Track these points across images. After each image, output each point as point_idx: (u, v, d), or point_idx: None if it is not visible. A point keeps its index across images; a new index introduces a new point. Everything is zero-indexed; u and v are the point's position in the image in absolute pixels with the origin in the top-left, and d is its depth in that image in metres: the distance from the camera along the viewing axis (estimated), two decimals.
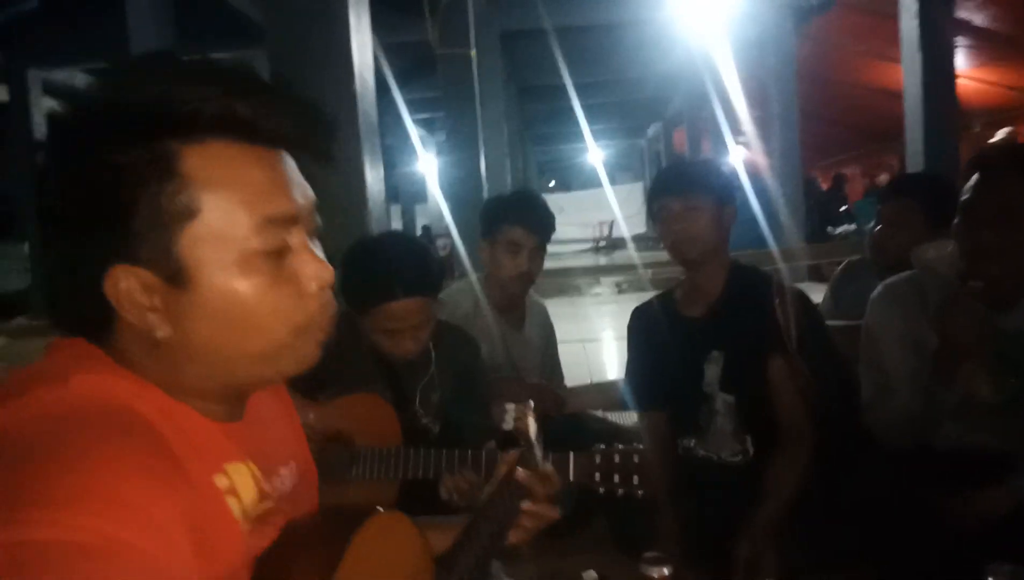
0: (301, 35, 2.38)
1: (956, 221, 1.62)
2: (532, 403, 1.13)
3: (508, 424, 1.13)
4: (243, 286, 0.63)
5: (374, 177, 2.54)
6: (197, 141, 0.61)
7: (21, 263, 11.56)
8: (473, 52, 5.91)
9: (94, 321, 0.64)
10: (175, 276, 0.62)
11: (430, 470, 1.55)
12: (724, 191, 1.89)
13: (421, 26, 6.16)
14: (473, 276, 2.34)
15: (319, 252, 0.70)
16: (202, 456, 0.65)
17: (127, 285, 0.61)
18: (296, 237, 0.67)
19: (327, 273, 0.69)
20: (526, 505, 1.02)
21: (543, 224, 2.21)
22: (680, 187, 1.87)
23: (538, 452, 1.08)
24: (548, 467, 1.09)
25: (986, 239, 1.54)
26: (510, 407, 1.11)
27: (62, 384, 0.60)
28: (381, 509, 0.75)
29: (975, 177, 1.59)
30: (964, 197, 1.59)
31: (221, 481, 0.66)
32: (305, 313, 0.68)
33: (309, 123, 0.67)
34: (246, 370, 0.67)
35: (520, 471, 1.04)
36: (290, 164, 0.68)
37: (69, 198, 0.60)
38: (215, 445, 0.67)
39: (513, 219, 2.18)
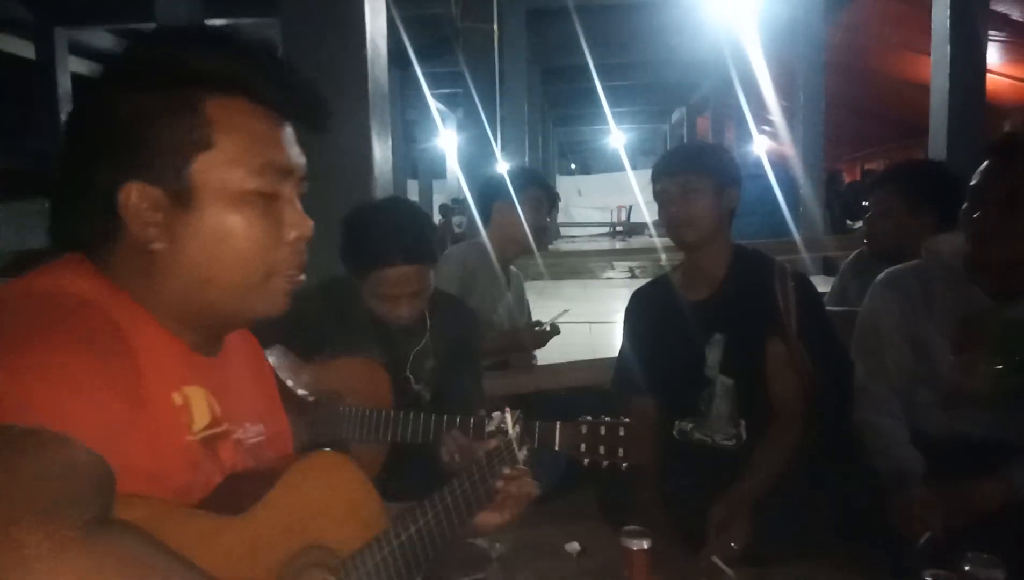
0: None
1: (964, 206, 1.59)
2: (512, 410, 1.19)
3: (491, 426, 1.19)
4: (235, 215, 0.73)
5: (381, 145, 2.53)
6: (220, 93, 0.73)
7: (44, 220, 11.70)
8: (494, 27, 5.85)
9: (97, 234, 0.73)
10: (181, 196, 0.72)
11: (418, 434, 1.56)
12: (725, 174, 1.86)
13: None
14: (485, 239, 2.55)
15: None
16: (161, 367, 0.72)
17: (137, 199, 0.71)
18: (287, 189, 0.77)
19: (306, 226, 0.78)
20: (500, 484, 1.07)
21: (550, 185, 2.76)
22: (678, 169, 1.85)
23: (516, 448, 1.12)
24: (523, 456, 1.13)
25: (992, 223, 1.52)
26: (496, 414, 1.21)
27: (44, 276, 0.70)
28: (328, 449, 0.81)
29: (985, 162, 1.56)
30: (973, 182, 1.57)
31: (176, 396, 0.73)
32: (280, 256, 0.77)
33: (311, 98, 0.78)
34: (221, 298, 0.75)
35: (492, 446, 1.09)
36: (290, 130, 0.78)
37: (104, 124, 0.71)
38: (176, 363, 0.74)
39: (535, 182, 2.63)
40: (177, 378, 0.74)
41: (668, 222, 1.87)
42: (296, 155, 0.78)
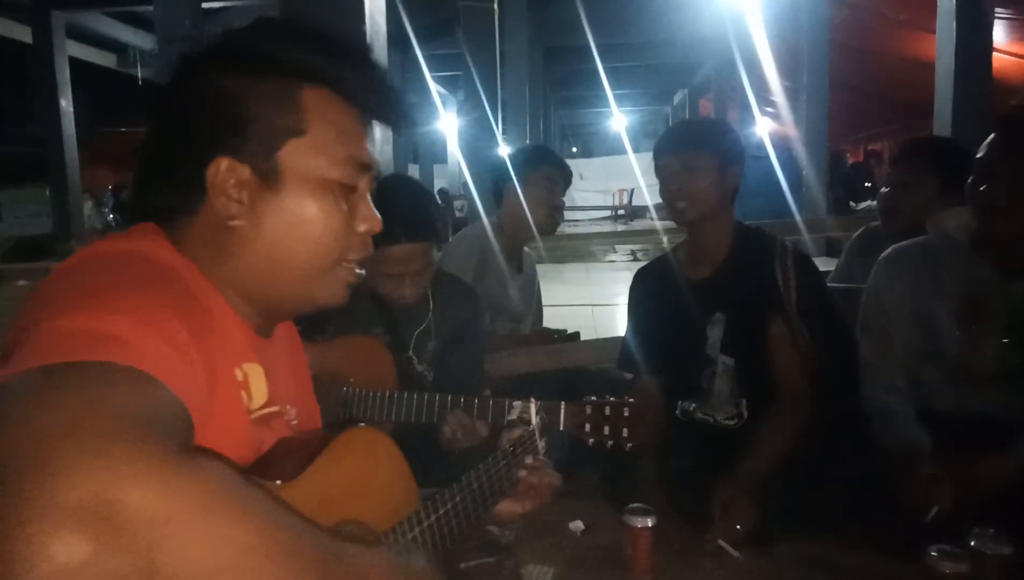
0: None
1: (971, 179, 1.58)
2: (535, 401, 1.22)
3: (513, 415, 1.20)
4: (315, 202, 0.77)
5: (381, 127, 2.51)
6: (317, 86, 0.77)
7: (44, 207, 11.69)
8: (495, 6, 5.80)
9: (179, 205, 0.75)
10: (268, 176, 0.75)
11: (423, 414, 1.56)
12: (728, 152, 1.84)
13: None
14: (486, 222, 2.52)
15: None
16: (228, 341, 0.74)
17: (226, 174, 0.74)
18: (363, 184, 0.82)
19: (376, 221, 0.82)
20: (523, 474, 1.09)
21: (566, 165, 2.63)
22: (680, 147, 1.83)
23: (539, 440, 1.14)
24: (543, 446, 1.15)
25: (1000, 198, 1.50)
26: (518, 403, 1.24)
27: (125, 240, 0.73)
28: (363, 424, 0.82)
29: (992, 135, 1.54)
30: (980, 154, 1.55)
31: (238, 374, 0.75)
32: (349, 246, 0.80)
33: (398, 103, 0.83)
34: (289, 281, 0.78)
35: (516, 435, 1.11)
36: (371, 129, 0.83)
37: (205, 100, 0.74)
38: (239, 340, 0.77)
39: (547, 160, 2.55)
40: (240, 354, 0.76)
41: (669, 199, 1.86)
42: (375, 153, 0.82)
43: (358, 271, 0.82)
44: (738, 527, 1.57)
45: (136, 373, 0.54)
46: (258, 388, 0.77)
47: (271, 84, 0.75)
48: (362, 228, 0.81)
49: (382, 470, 0.83)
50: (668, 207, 1.88)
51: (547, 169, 2.51)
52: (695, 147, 1.81)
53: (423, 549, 0.83)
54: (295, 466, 0.73)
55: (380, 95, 0.81)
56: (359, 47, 0.81)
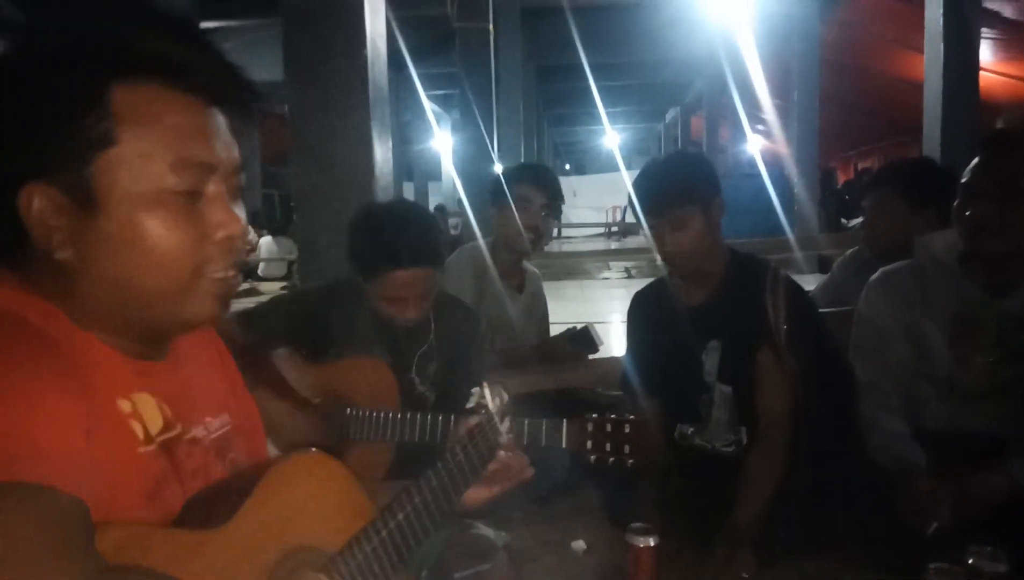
0: None
1: (956, 202, 1.61)
2: (491, 385, 1.15)
3: (471, 403, 1.16)
4: (149, 219, 0.66)
5: (382, 147, 2.54)
6: (129, 80, 0.64)
7: None
8: (491, 26, 5.86)
9: (8, 241, 0.66)
10: (84, 200, 0.64)
11: (425, 434, 1.57)
12: (708, 190, 1.81)
13: None
14: (481, 242, 2.49)
15: (240, 212, 0.73)
16: (103, 378, 0.67)
17: (39, 204, 0.63)
18: (213, 186, 0.70)
19: (236, 225, 0.71)
20: (494, 465, 1.05)
21: (550, 183, 2.45)
22: (664, 207, 1.79)
23: (498, 420, 1.10)
24: (505, 427, 1.11)
25: (986, 214, 1.53)
26: (475, 390, 1.15)
27: None
28: (313, 450, 0.78)
29: (975, 159, 1.58)
30: (964, 179, 1.59)
31: (124, 405, 0.68)
32: (206, 257, 0.69)
33: (234, 81, 0.70)
34: (146, 306, 0.69)
35: (474, 423, 1.06)
36: (218, 119, 0.70)
37: (4, 118, 0.63)
38: (117, 372, 0.69)
39: (521, 178, 2.43)
40: (121, 387, 0.68)
41: (665, 257, 1.84)
42: (222, 147, 0.70)
43: (234, 279, 0.73)
44: (744, 576, 1.56)
45: (26, 490, 0.50)
46: (151, 416, 0.70)
47: (69, 88, 0.63)
48: (219, 235, 0.70)
49: (328, 491, 0.79)
50: (665, 262, 1.86)
51: (522, 189, 2.39)
52: (679, 204, 1.77)
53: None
54: (228, 507, 0.69)
55: (212, 76, 0.69)
56: (181, 20, 0.67)
